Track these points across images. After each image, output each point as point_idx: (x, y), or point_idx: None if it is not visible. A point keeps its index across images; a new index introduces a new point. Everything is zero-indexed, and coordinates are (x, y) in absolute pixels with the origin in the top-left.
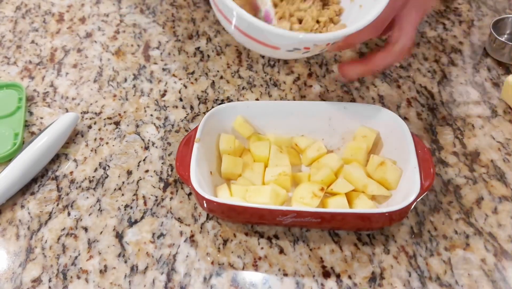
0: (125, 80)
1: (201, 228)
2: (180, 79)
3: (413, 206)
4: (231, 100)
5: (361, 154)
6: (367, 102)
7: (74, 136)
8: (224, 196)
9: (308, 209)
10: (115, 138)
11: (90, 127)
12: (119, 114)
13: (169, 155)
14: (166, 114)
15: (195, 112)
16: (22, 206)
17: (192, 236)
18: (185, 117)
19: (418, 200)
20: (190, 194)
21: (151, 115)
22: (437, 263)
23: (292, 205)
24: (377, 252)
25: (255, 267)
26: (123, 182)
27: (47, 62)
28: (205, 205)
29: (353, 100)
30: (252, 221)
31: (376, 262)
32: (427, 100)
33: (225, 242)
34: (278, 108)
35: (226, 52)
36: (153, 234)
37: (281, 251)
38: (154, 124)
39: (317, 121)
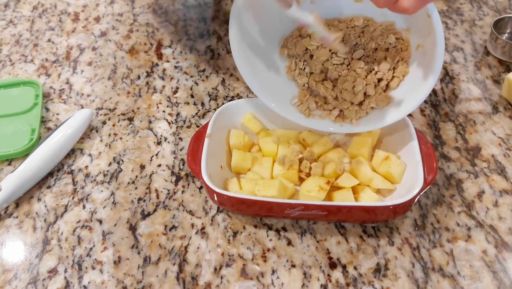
0: (138, 77)
1: (212, 220)
2: (191, 76)
3: (416, 199)
4: (241, 97)
5: (366, 149)
6: None
7: (89, 131)
8: (234, 190)
9: (315, 202)
10: (128, 133)
11: (104, 123)
12: (133, 111)
13: (180, 149)
14: (178, 111)
15: (206, 109)
16: (39, 199)
17: (203, 228)
18: (196, 114)
19: (421, 193)
20: (201, 187)
21: (164, 111)
22: (440, 254)
23: (300, 198)
24: (382, 243)
25: (264, 258)
26: (136, 176)
27: (63, 60)
28: (215, 198)
29: None
30: (261, 213)
31: (381, 253)
32: (430, 97)
33: (235, 234)
34: None
35: None
36: (165, 226)
37: (289, 243)
38: (166, 120)
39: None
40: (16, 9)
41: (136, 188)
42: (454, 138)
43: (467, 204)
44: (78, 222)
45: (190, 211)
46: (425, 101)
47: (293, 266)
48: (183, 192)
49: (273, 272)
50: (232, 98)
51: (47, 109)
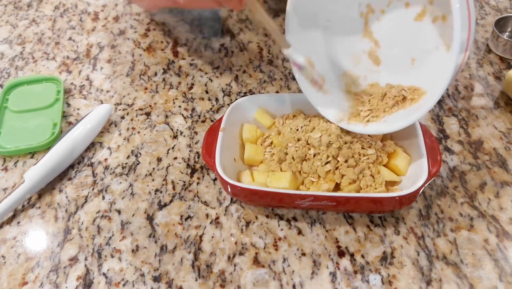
0: (155, 74)
1: (226, 210)
2: (206, 73)
3: (421, 191)
4: (253, 93)
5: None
6: None
7: (108, 126)
8: (247, 181)
9: (324, 193)
10: (146, 128)
11: (123, 117)
12: (150, 106)
13: (196, 143)
14: (193, 106)
15: (219, 104)
16: (60, 190)
17: (217, 218)
18: (211, 109)
19: (426, 185)
20: (215, 179)
21: (179, 106)
22: (444, 243)
23: (309, 190)
24: (388, 233)
25: (275, 247)
26: (154, 168)
27: (84, 57)
28: (229, 189)
29: None
30: (273, 204)
31: (387, 242)
32: None
33: (247, 223)
34: (296, 100)
35: (248, 49)
36: (181, 216)
37: (300, 232)
38: (182, 115)
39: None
40: (38, 9)
41: (153, 180)
42: (457, 132)
43: (469, 195)
44: (98, 212)
45: (205, 201)
46: None
47: (303, 254)
48: (198, 183)
49: (284, 260)
50: (245, 94)
51: (68, 105)
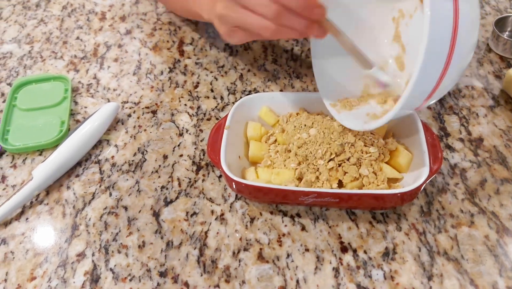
0: (162, 73)
1: (230, 207)
2: (211, 72)
3: (422, 187)
4: (258, 91)
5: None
6: None
7: (115, 124)
8: (251, 178)
9: (327, 189)
10: (152, 125)
11: (129, 115)
12: (156, 104)
13: (201, 140)
14: (198, 104)
15: (224, 102)
16: (68, 187)
17: (222, 214)
18: (216, 107)
19: (427, 182)
20: (220, 176)
21: (185, 105)
22: (445, 239)
23: (313, 186)
24: (390, 229)
25: (279, 242)
26: (160, 165)
27: (91, 56)
28: (234, 186)
29: None
30: (277, 201)
31: (389, 238)
32: None
33: (252, 220)
34: (300, 99)
35: (253, 48)
36: (187, 212)
37: (303, 228)
38: (188, 113)
39: None
40: (46, 9)
41: (159, 177)
42: (458, 130)
43: (470, 191)
44: (105, 208)
45: (210, 198)
46: None
47: (307, 250)
48: (203, 180)
49: (288, 255)
50: (249, 93)
51: (76, 103)
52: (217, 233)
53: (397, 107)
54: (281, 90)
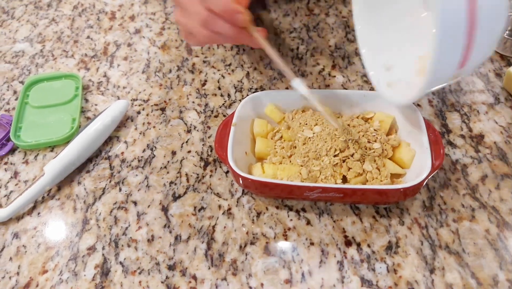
0: (170, 71)
1: (237, 202)
2: (218, 70)
3: (425, 183)
4: (264, 89)
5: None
6: None
7: (124, 121)
8: (258, 174)
9: (332, 185)
10: (161, 122)
11: (139, 113)
12: (165, 102)
13: (208, 137)
14: (206, 101)
15: (231, 100)
16: (79, 183)
17: (229, 209)
18: (223, 104)
19: (429, 177)
20: (227, 172)
21: (193, 102)
22: (446, 233)
23: (318, 182)
24: (393, 223)
25: (285, 236)
26: (168, 161)
27: (101, 55)
28: (240, 181)
29: (372, 89)
30: (282, 196)
31: (392, 232)
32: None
33: (258, 214)
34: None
35: None
36: (195, 207)
37: (308, 223)
38: (196, 110)
39: (340, 108)
40: (58, 9)
41: (168, 172)
42: (459, 127)
43: (471, 187)
44: (115, 203)
45: (218, 193)
46: (433, 93)
47: (312, 244)
48: (211, 176)
49: (294, 249)
50: (256, 90)
51: (86, 100)
52: (224, 227)
53: (429, 70)
54: (286, 88)
